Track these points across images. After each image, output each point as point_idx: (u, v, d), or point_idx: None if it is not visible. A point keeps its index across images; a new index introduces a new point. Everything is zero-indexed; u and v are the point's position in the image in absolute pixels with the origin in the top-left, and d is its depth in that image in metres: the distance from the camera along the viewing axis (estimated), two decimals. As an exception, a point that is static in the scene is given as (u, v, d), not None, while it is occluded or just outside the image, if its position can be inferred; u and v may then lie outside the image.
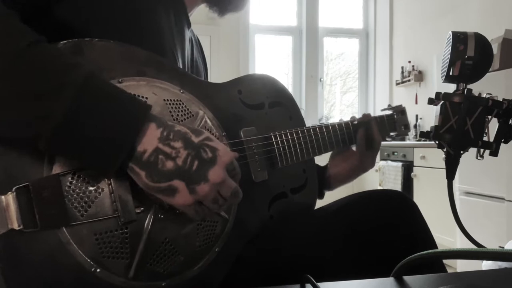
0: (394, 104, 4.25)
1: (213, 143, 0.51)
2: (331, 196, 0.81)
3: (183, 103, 0.60)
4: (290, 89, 4.48)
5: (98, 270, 0.48)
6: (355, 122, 0.92)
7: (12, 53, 0.43)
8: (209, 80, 0.93)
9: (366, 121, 0.91)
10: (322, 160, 0.89)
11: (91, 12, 0.57)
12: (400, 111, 1.00)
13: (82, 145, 0.45)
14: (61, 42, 0.51)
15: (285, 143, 0.76)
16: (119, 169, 0.47)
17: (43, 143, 0.44)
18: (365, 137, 0.90)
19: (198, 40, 0.90)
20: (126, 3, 0.60)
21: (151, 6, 0.63)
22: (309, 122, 3.72)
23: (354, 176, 0.93)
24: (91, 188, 0.49)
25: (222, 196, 0.52)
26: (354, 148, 0.93)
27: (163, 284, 0.54)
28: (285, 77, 4.62)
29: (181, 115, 0.59)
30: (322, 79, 4.60)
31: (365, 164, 0.92)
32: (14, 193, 0.45)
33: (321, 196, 0.90)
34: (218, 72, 3.96)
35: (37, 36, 0.46)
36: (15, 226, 0.44)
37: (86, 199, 0.48)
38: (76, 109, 0.43)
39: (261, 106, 0.75)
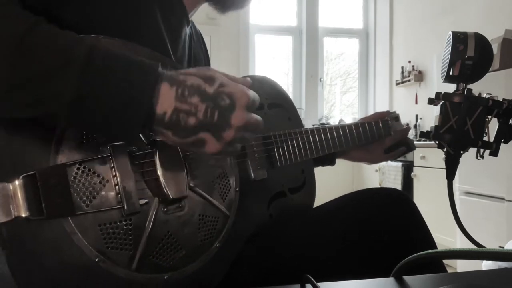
0: (394, 104, 4.25)
1: (228, 88, 0.51)
2: (331, 196, 0.81)
3: None
4: (290, 89, 4.52)
5: (102, 260, 0.49)
6: (357, 124, 0.93)
7: (15, 38, 0.43)
8: None
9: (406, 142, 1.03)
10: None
11: (86, 12, 0.57)
12: (394, 117, 1.01)
13: (100, 117, 0.45)
14: None
15: (284, 143, 0.76)
16: (146, 132, 0.50)
17: (63, 121, 0.45)
18: (400, 153, 1.03)
19: (201, 34, 0.90)
20: (123, 5, 0.60)
21: (147, 6, 0.63)
22: (309, 122, 3.70)
23: (360, 162, 1.05)
24: (96, 179, 0.50)
25: (250, 132, 0.53)
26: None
27: (165, 277, 0.54)
28: (285, 77, 4.62)
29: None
30: (322, 79, 4.60)
31: (374, 160, 1.02)
32: (22, 181, 0.45)
33: (332, 162, 1.00)
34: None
35: (36, 17, 0.46)
36: (22, 213, 0.45)
37: (91, 189, 0.49)
38: (86, 81, 0.44)
39: (260, 107, 0.76)
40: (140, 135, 0.51)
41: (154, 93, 0.47)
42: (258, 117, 0.54)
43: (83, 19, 0.57)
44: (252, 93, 0.53)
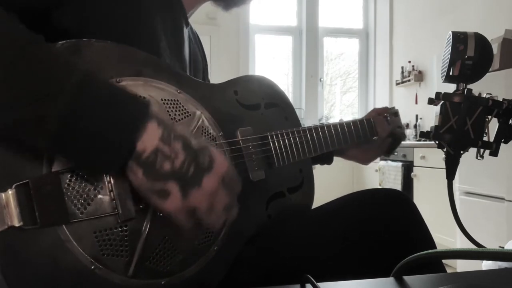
0: (394, 104, 4.25)
1: (213, 153, 0.51)
2: (330, 196, 0.81)
3: (180, 103, 0.60)
4: (290, 89, 4.52)
5: (97, 268, 0.48)
6: (355, 122, 0.93)
7: (9, 54, 0.43)
8: (209, 76, 0.94)
9: (395, 135, 1.01)
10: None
11: (85, 16, 0.57)
12: (393, 113, 1.01)
13: (82, 147, 0.45)
14: (59, 42, 0.51)
15: (281, 143, 0.76)
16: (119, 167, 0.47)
17: (43, 145, 0.44)
18: (390, 147, 1.01)
19: (197, 35, 0.90)
20: (121, 6, 0.60)
21: (146, 8, 0.63)
22: (309, 122, 3.73)
23: (355, 161, 1.04)
24: (90, 186, 0.49)
25: (216, 209, 0.51)
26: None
27: (162, 283, 0.54)
28: (285, 77, 4.62)
29: (178, 114, 0.59)
30: (322, 79, 4.60)
31: (369, 159, 1.01)
32: (14, 190, 0.44)
33: (330, 161, 1.00)
34: (218, 72, 3.96)
35: (34, 35, 0.45)
36: (15, 223, 0.44)
37: (85, 196, 0.48)
38: (74, 110, 0.43)
39: (257, 107, 0.76)
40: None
41: (140, 128, 0.46)
42: (230, 198, 0.52)
43: (82, 21, 0.56)
44: (233, 171, 0.52)
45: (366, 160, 1.02)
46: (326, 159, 0.98)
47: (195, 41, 0.87)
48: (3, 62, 0.42)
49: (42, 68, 0.43)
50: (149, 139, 0.47)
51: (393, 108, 1.03)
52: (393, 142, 1.00)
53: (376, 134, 0.97)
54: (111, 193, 0.50)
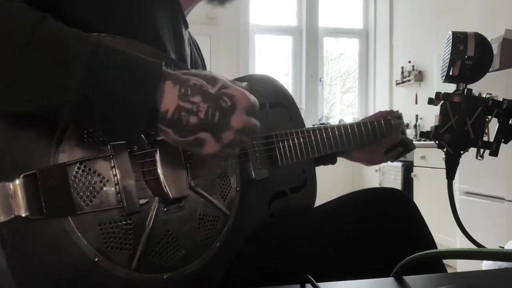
0: (394, 104, 4.25)
1: (230, 90, 0.52)
2: (331, 195, 0.81)
3: None
4: (290, 89, 4.52)
5: (101, 260, 0.49)
6: (359, 124, 0.93)
7: (22, 32, 0.43)
8: None
9: (406, 143, 1.02)
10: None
11: (89, 12, 0.57)
12: (397, 116, 1.01)
13: (104, 113, 0.46)
14: None
15: (285, 142, 0.76)
16: (149, 131, 0.50)
17: (66, 117, 0.45)
18: (399, 154, 1.01)
19: (196, 41, 0.90)
20: (124, 3, 0.60)
21: (148, 4, 0.64)
22: (309, 122, 3.72)
23: (359, 162, 1.04)
24: (96, 179, 0.50)
25: (247, 136, 0.54)
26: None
27: (164, 277, 0.54)
28: (285, 77, 4.62)
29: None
30: (322, 79, 4.60)
31: (374, 162, 1.02)
32: (22, 180, 0.45)
33: (334, 161, 1.00)
34: (218, 72, 3.94)
35: (42, 13, 0.46)
36: (22, 213, 0.44)
37: (91, 189, 0.49)
38: (91, 77, 0.44)
39: (262, 106, 0.76)
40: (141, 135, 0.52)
41: (157, 91, 0.48)
42: (256, 121, 0.54)
43: (81, 19, 0.57)
44: (253, 98, 0.54)
45: (370, 162, 1.02)
46: (329, 160, 0.98)
47: (195, 46, 0.87)
48: (18, 38, 0.43)
49: (55, 40, 0.45)
50: (169, 99, 0.48)
51: (397, 111, 1.03)
52: (404, 151, 1.01)
53: (384, 137, 0.97)
54: (117, 186, 0.51)
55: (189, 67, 0.77)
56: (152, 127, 0.49)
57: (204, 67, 0.90)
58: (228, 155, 0.54)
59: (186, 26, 0.77)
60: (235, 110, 0.51)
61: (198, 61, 0.86)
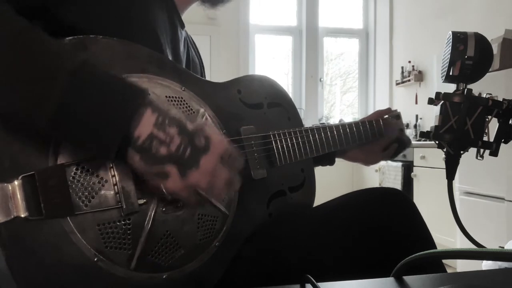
0: (394, 104, 4.25)
1: (207, 131, 0.51)
2: (330, 195, 0.81)
3: (184, 100, 0.61)
4: (290, 89, 4.52)
5: (100, 260, 0.49)
6: (357, 123, 0.93)
7: (6, 38, 0.43)
8: (209, 77, 0.94)
9: (402, 140, 1.00)
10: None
11: (86, 13, 0.57)
12: (395, 116, 1.01)
13: (78, 131, 0.45)
14: (67, 38, 0.52)
15: (283, 142, 0.76)
16: (117, 154, 0.48)
17: (42, 128, 0.45)
18: (395, 152, 1.00)
19: (193, 40, 0.90)
20: (120, 4, 0.60)
21: (144, 6, 0.64)
22: (309, 122, 3.72)
23: (357, 162, 1.04)
24: (94, 179, 0.50)
25: (217, 186, 0.52)
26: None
27: (164, 276, 0.55)
28: (285, 77, 4.62)
29: (183, 112, 0.60)
30: (322, 79, 4.60)
31: (371, 161, 1.01)
32: (21, 181, 0.45)
33: (332, 162, 0.99)
34: (218, 72, 3.96)
35: (27, 22, 0.46)
36: (21, 213, 0.45)
37: (90, 189, 0.49)
38: (69, 94, 0.44)
39: (260, 106, 0.76)
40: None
41: (135, 115, 0.47)
42: (230, 174, 0.53)
43: (78, 20, 0.57)
44: (232, 148, 0.53)
45: (368, 162, 1.02)
46: (327, 161, 0.98)
47: (192, 45, 0.87)
48: (2, 45, 0.43)
49: (40, 52, 0.44)
50: (144, 125, 0.48)
51: (395, 110, 1.02)
52: (398, 148, 1.00)
53: (382, 135, 0.96)
54: (115, 186, 0.51)
55: (184, 67, 0.77)
56: (123, 150, 0.48)
57: (201, 66, 0.90)
58: (190, 199, 0.52)
59: (182, 26, 0.77)
60: (208, 151, 0.50)
61: (196, 60, 0.86)
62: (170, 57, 0.68)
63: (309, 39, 4.50)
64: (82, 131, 0.45)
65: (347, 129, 0.90)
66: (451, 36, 0.69)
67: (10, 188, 0.45)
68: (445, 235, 2.67)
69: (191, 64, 0.82)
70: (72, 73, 0.44)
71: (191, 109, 0.61)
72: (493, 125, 0.70)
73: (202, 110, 0.63)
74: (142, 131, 0.48)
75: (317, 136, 0.84)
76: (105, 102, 0.46)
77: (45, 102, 0.43)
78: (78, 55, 0.46)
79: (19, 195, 0.45)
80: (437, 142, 0.70)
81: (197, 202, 0.54)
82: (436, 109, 0.71)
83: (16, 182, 0.45)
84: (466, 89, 0.69)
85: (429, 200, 2.85)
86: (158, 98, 0.51)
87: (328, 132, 0.86)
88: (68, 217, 0.47)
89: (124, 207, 0.51)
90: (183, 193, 0.51)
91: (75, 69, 0.45)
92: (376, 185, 3.60)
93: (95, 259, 0.49)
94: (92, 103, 0.45)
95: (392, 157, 1.02)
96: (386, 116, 0.99)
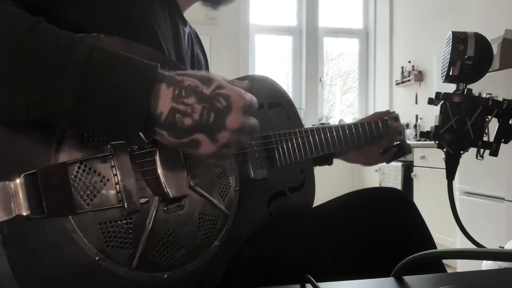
0: (394, 104, 4.25)
1: (225, 90, 0.51)
2: (330, 196, 0.81)
3: None
4: (290, 89, 4.52)
5: (102, 259, 0.49)
6: (357, 124, 0.93)
7: (15, 38, 0.43)
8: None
9: (402, 144, 1.01)
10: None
11: (86, 11, 0.57)
12: (393, 117, 1.01)
13: (100, 117, 0.46)
14: None
15: (283, 142, 0.77)
16: (143, 134, 0.50)
17: (63, 121, 0.45)
18: (395, 155, 1.00)
19: (197, 34, 0.90)
20: (120, 2, 0.60)
21: (145, 4, 0.64)
22: (309, 122, 3.72)
23: (356, 163, 1.03)
24: (96, 178, 0.50)
25: (244, 136, 0.53)
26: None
27: (165, 276, 0.55)
28: (285, 77, 4.62)
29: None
30: (322, 79, 4.60)
31: (371, 162, 1.01)
32: (23, 180, 0.45)
33: (330, 162, 0.99)
34: (218, 72, 3.88)
35: (35, 17, 0.46)
36: (23, 212, 0.45)
37: (91, 188, 0.49)
38: (85, 81, 0.44)
39: (260, 106, 0.76)
40: (141, 134, 0.51)
41: (151, 94, 0.47)
42: (254, 120, 0.54)
43: (78, 20, 0.57)
44: (249, 97, 0.53)
45: (366, 163, 1.02)
46: (325, 161, 0.98)
47: (197, 41, 0.87)
48: (9, 45, 0.43)
49: (47, 47, 0.44)
50: (163, 101, 0.48)
51: (394, 112, 1.03)
52: (398, 153, 1.01)
53: (381, 137, 0.97)
54: (117, 185, 0.51)
55: (187, 65, 0.77)
56: (148, 130, 0.49)
57: (206, 63, 0.90)
58: (226, 155, 0.54)
59: (185, 24, 0.77)
60: (230, 110, 0.51)
61: (200, 57, 0.86)
62: (172, 55, 0.68)
63: (309, 39, 4.50)
64: (101, 117, 0.46)
65: (347, 130, 0.91)
66: (451, 36, 0.69)
67: (12, 186, 0.45)
68: (445, 235, 2.67)
69: (195, 60, 0.82)
70: (83, 62, 0.44)
71: None
72: (493, 125, 0.70)
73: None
74: (163, 107, 0.48)
75: (317, 137, 0.84)
76: (119, 85, 0.46)
77: (60, 96, 0.43)
78: (85, 41, 0.46)
79: (21, 194, 0.45)
80: (437, 142, 0.70)
81: (234, 153, 0.55)
82: (436, 109, 0.71)
83: (18, 181, 0.45)
84: (466, 89, 0.69)
85: (429, 200, 2.84)
86: (169, 72, 0.51)
87: (328, 133, 0.86)
88: (69, 216, 0.47)
89: (125, 206, 0.51)
90: (219, 154, 0.52)
91: (85, 56, 0.45)
92: (376, 185, 3.60)
93: (97, 258, 0.49)
94: (106, 88, 0.45)
95: (390, 160, 1.02)
96: (386, 118, 0.99)
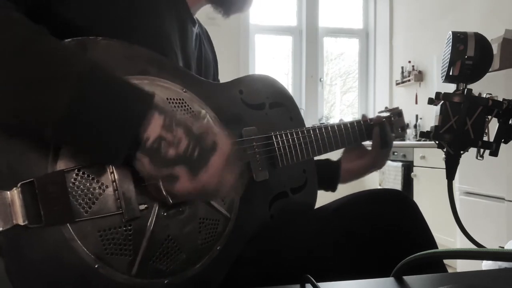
0: (394, 104, 4.25)
1: (214, 132, 0.52)
2: (331, 195, 0.81)
3: (185, 102, 0.60)
4: (290, 89, 4.51)
5: (101, 266, 0.49)
6: (358, 123, 0.93)
7: (15, 44, 0.43)
8: (218, 73, 0.94)
9: (380, 121, 0.95)
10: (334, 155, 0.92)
11: (92, 12, 0.57)
12: (397, 113, 1.00)
13: (87, 136, 0.45)
14: (66, 40, 0.51)
15: (285, 143, 0.76)
16: (125, 158, 0.48)
17: (49, 134, 0.44)
18: (380, 136, 0.94)
19: (207, 34, 0.90)
20: (128, 3, 0.60)
21: (152, 6, 0.64)
22: (309, 122, 3.73)
23: (366, 173, 0.98)
24: (95, 185, 0.49)
25: (225, 186, 0.52)
26: (367, 146, 0.97)
27: (165, 282, 0.54)
28: (285, 77, 4.62)
29: (184, 113, 0.60)
30: (322, 79, 4.60)
31: (377, 162, 0.96)
32: (19, 189, 0.45)
33: (334, 189, 0.95)
34: (218, 72, 3.95)
35: (37, 26, 0.46)
36: (20, 221, 0.44)
37: (90, 195, 0.49)
38: (79, 99, 0.43)
39: (261, 106, 0.76)
40: None
41: (143, 119, 0.47)
42: (236, 174, 0.53)
43: (82, 18, 0.57)
44: (235, 150, 0.53)
45: (376, 164, 0.97)
46: (330, 187, 0.96)
47: (207, 41, 0.87)
48: (9, 51, 0.43)
49: (47, 57, 0.44)
50: (152, 128, 0.48)
51: (397, 108, 1.02)
52: (386, 151, 0.96)
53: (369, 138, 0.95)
54: (116, 192, 0.50)
55: (193, 66, 0.77)
56: (131, 154, 0.48)
57: (215, 64, 0.90)
58: (200, 197, 0.53)
59: (194, 23, 0.77)
60: (215, 151, 0.51)
61: (208, 58, 0.86)
62: (179, 55, 0.68)
63: (309, 39, 4.50)
64: (90, 135, 0.45)
65: (349, 128, 0.90)
66: (451, 36, 0.69)
67: (9, 195, 0.44)
68: (445, 235, 2.67)
69: (203, 60, 0.82)
70: (81, 77, 0.44)
71: (192, 111, 0.61)
72: (493, 125, 0.70)
73: (203, 111, 0.62)
74: (151, 133, 0.47)
75: (319, 136, 0.83)
76: (113, 106, 0.45)
77: (53, 107, 0.43)
78: (87, 58, 0.46)
79: (18, 203, 0.44)
80: (437, 142, 0.70)
81: (203, 201, 0.54)
82: (436, 109, 0.71)
83: (15, 190, 0.44)
84: (466, 89, 0.69)
85: (429, 200, 2.84)
86: (163, 101, 0.51)
87: (330, 132, 0.86)
88: (68, 224, 0.47)
89: (125, 213, 0.50)
90: (193, 195, 0.51)
91: (84, 73, 0.44)
92: (376, 185, 3.60)
93: (96, 266, 0.48)
94: (100, 107, 0.45)
95: (381, 145, 0.96)
96: (388, 114, 0.99)
